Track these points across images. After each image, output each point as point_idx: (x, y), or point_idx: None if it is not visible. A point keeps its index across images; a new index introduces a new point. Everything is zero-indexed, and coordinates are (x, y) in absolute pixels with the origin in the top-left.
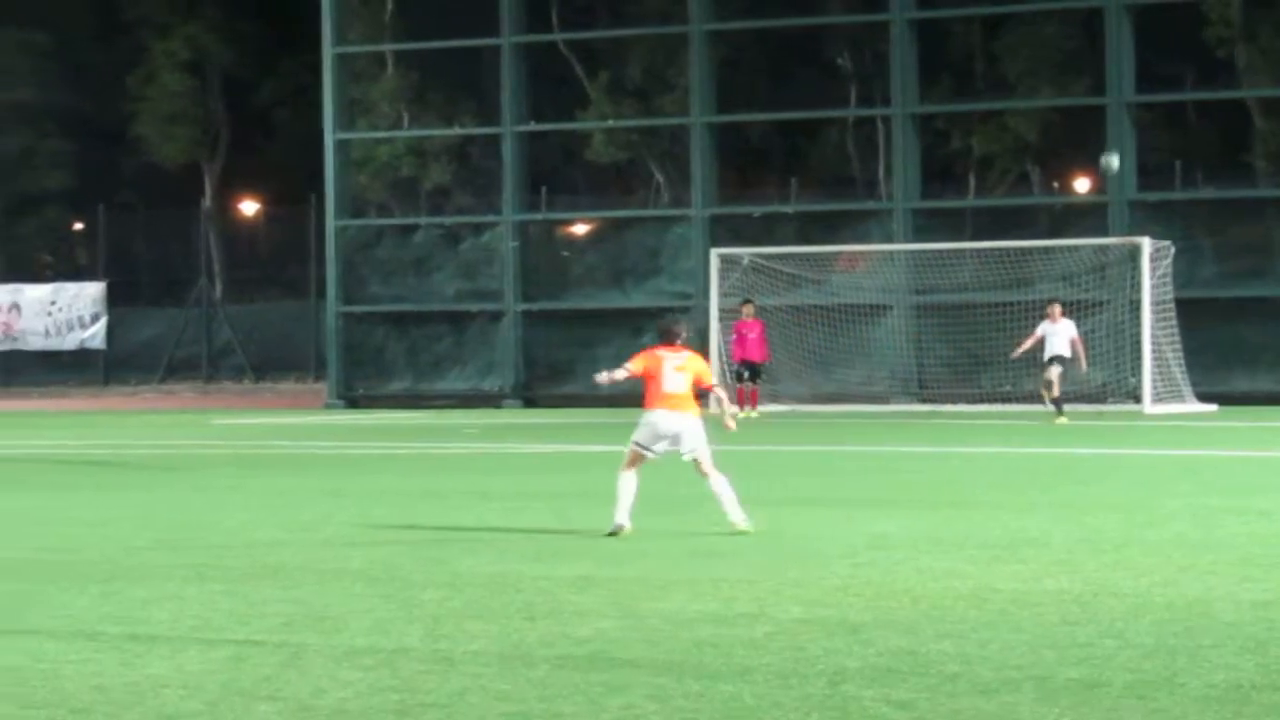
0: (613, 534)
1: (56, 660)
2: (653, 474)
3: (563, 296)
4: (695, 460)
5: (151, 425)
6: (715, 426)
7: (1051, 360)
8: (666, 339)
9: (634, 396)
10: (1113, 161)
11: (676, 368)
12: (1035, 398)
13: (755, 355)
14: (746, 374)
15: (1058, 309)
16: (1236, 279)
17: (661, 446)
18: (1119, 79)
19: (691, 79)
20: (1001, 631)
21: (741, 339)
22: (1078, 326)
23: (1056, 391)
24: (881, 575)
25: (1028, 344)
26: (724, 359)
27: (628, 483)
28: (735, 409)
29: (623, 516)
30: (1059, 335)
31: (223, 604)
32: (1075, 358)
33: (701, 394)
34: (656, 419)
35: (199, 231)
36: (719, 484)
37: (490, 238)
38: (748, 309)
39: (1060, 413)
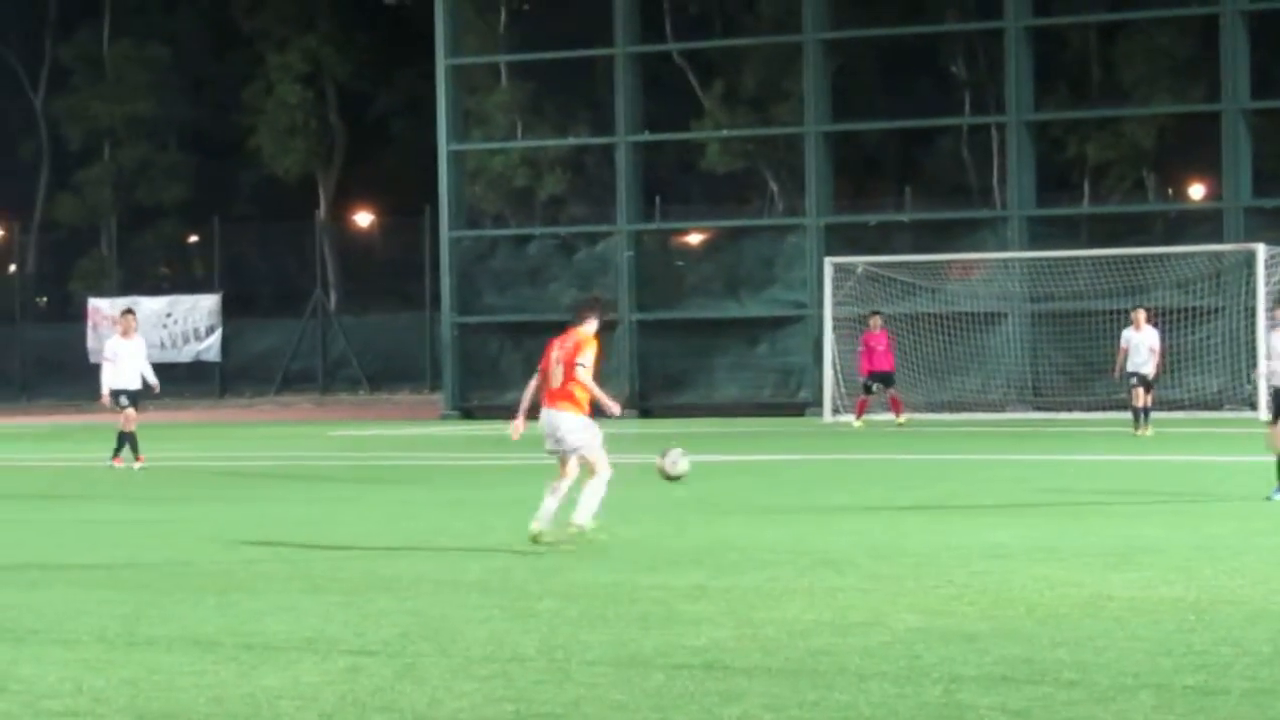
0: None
1: (173, 671)
2: (764, 483)
3: (678, 306)
4: (581, 457)
5: (268, 437)
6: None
7: (1134, 379)
8: (573, 321)
9: (749, 406)
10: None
11: (556, 359)
12: (1151, 404)
13: (886, 365)
14: (875, 386)
15: (1142, 315)
16: None
17: (550, 446)
18: (1235, 85)
19: (805, 88)
20: (1118, 639)
21: (870, 351)
22: (1191, 333)
23: (1139, 402)
24: (997, 583)
25: (1120, 359)
26: (838, 368)
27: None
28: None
29: (540, 522)
30: (1143, 345)
31: (338, 615)
32: (1154, 368)
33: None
34: (540, 417)
35: (314, 243)
36: (592, 484)
37: (605, 248)
38: (875, 320)
39: (1141, 423)
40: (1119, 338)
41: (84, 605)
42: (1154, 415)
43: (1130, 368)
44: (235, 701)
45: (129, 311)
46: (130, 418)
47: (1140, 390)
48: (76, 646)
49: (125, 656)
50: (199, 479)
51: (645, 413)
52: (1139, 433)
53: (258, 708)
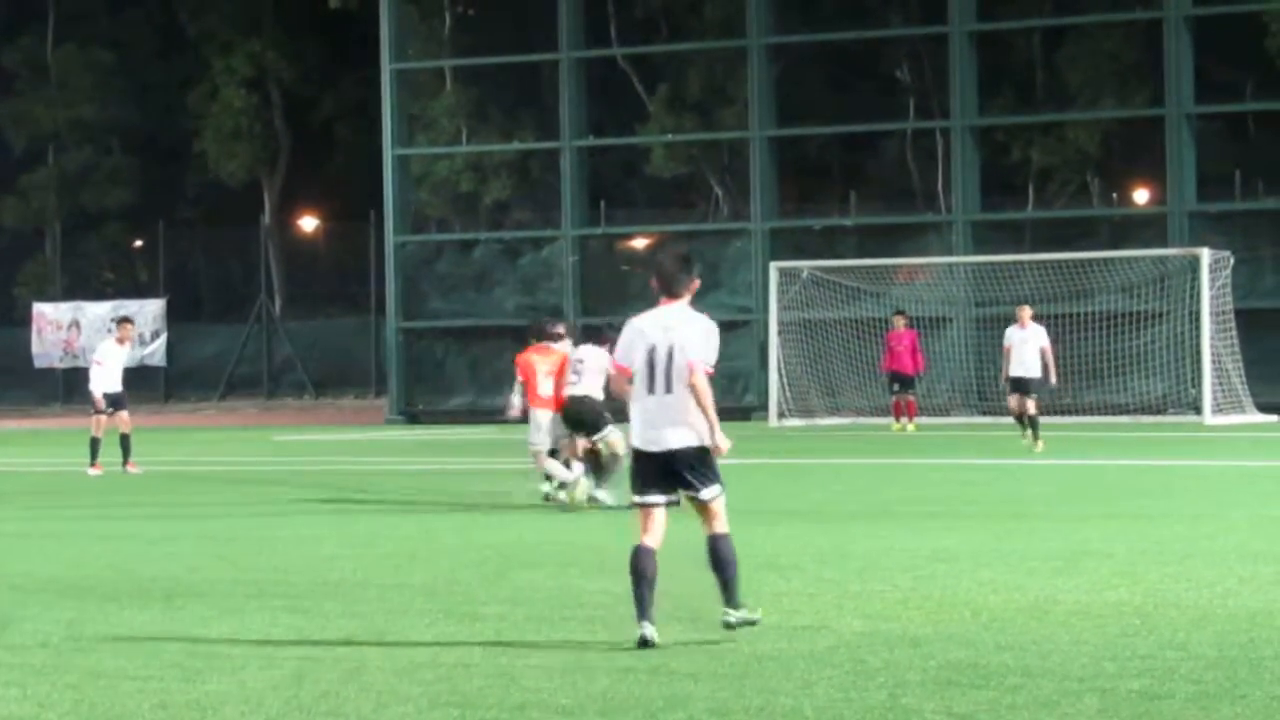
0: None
1: (118, 677)
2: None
3: (623, 310)
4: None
5: (212, 442)
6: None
7: (1013, 385)
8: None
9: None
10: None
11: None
12: (1095, 409)
13: (905, 366)
14: (898, 386)
15: (1027, 313)
16: None
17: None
18: (1178, 90)
19: (751, 93)
20: (1063, 643)
21: (891, 350)
22: (1135, 337)
23: (1033, 410)
24: (942, 588)
25: (1006, 361)
26: (784, 373)
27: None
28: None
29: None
30: (1028, 344)
31: (284, 620)
32: (1045, 370)
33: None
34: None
35: (259, 248)
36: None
37: (550, 252)
38: (899, 320)
39: (1026, 430)
40: (1062, 343)
41: (28, 610)
42: (1097, 419)
43: (1013, 371)
44: (180, 707)
45: (127, 320)
46: (124, 421)
47: (1019, 396)
48: (21, 651)
49: (70, 661)
50: (144, 484)
51: None
52: (1028, 443)
53: (203, 712)
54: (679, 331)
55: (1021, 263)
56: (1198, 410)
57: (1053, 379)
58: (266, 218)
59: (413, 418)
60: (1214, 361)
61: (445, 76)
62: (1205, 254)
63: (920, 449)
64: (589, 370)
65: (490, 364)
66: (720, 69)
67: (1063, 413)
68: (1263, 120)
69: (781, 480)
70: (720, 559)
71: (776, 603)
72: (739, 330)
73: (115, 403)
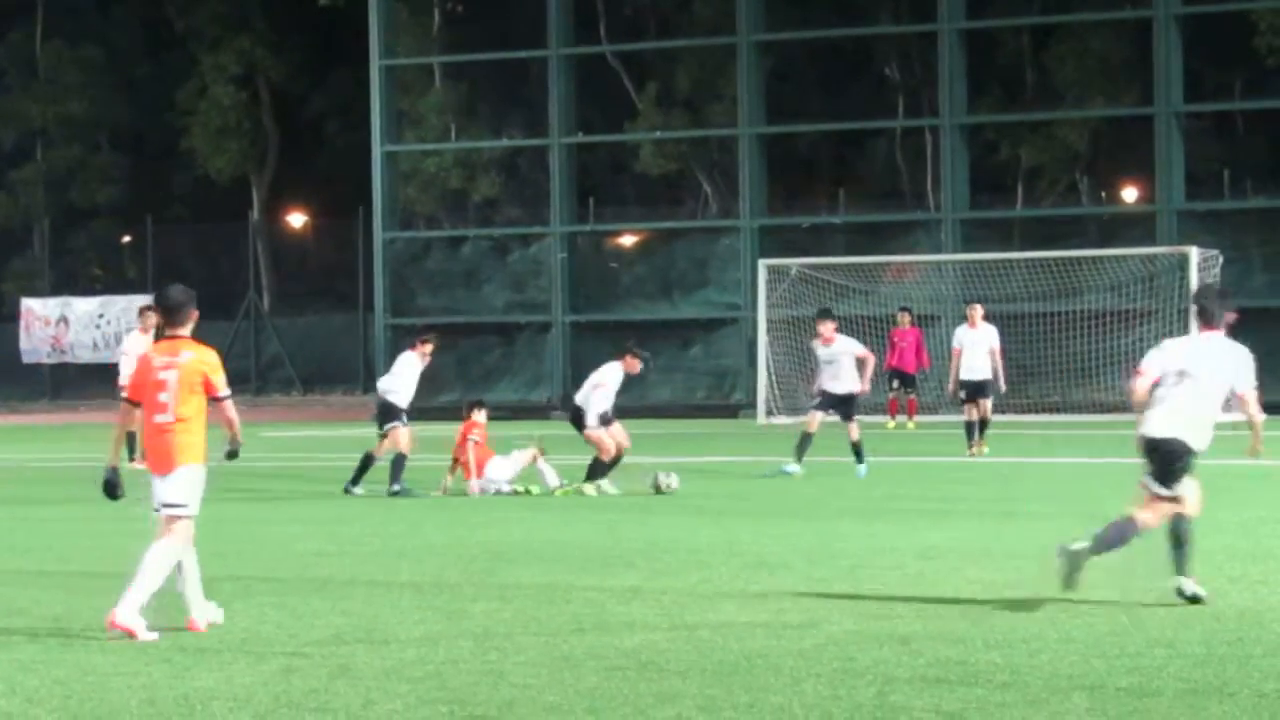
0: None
1: (106, 673)
2: (698, 485)
3: (611, 308)
4: None
5: None
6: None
7: (967, 391)
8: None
9: (682, 408)
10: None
11: None
12: (1084, 408)
13: (908, 365)
14: (898, 383)
15: (979, 311)
16: None
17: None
18: (1168, 89)
19: (740, 90)
20: (1051, 641)
21: (895, 347)
22: (1124, 336)
23: (988, 413)
24: (931, 586)
25: (955, 365)
26: (772, 371)
27: None
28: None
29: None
30: (979, 345)
31: (272, 616)
32: (994, 374)
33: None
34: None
35: (248, 244)
36: None
37: (538, 249)
38: (903, 317)
39: (975, 439)
40: (1050, 341)
41: (17, 605)
42: (1086, 418)
43: (964, 374)
44: (168, 703)
45: (149, 308)
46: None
47: (974, 403)
48: (9, 647)
49: (58, 657)
50: (130, 479)
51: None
52: (973, 451)
53: (191, 708)
54: (1215, 359)
55: (1010, 261)
56: None
57: (1001, 384)
58: (255, 214)
59: None
60: None
61: (434, 73)
62: (1194, 252)
63: (909, 447)
64: (589, 383)
65: (479, 360)
66: (709, 66)
67: (1052, 411)
68: (1251, 119)
69: (769, 478)
70: (1175, 536)
71: (765, 601)
72: (727, 328)
73: None
